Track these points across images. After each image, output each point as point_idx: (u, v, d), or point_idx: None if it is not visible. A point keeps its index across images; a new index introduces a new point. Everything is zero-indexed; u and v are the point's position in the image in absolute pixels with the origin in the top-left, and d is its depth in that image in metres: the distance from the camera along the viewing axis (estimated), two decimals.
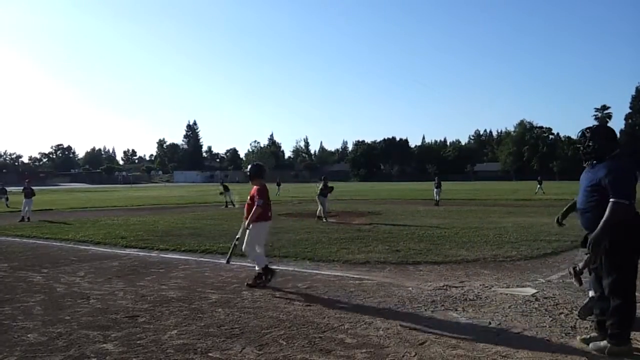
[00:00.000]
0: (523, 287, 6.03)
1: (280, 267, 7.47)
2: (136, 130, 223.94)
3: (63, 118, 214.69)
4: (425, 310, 5.01)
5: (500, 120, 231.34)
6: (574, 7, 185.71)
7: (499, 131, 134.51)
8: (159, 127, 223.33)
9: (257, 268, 6.26)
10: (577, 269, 3.78)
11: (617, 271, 3.58)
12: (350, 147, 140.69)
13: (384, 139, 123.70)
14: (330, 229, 12.64)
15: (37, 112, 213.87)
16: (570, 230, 7.76)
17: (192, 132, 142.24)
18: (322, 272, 7.10)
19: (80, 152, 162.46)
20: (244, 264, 7.87)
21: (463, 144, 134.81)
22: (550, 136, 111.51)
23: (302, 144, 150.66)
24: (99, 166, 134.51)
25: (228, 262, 6.60)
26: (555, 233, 10.24)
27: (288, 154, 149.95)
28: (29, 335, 4.28)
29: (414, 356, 3.71)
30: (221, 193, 24.27)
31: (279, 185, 40.93)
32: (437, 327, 4.42)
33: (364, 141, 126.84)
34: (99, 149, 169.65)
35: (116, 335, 4.28)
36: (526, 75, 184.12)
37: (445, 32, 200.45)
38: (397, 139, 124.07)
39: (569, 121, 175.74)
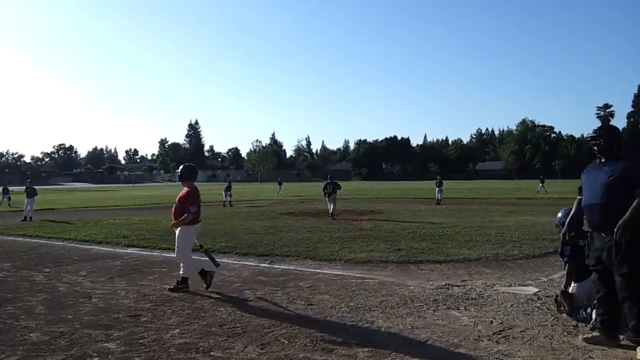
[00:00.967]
0: (525, 286, 6.03)
1: (281, 267, 7.49)
2: (138, 130, 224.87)
3: (65, 118, 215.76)
4: (427, 309, 5.00)
5: (502, 119, 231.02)
6: (576, 5, 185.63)
7: (501, 130, 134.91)
8: (161, 126, 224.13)
9: (181, 272, 6.09)
10: (561, 290, 3.76)
11: (633, 261, 3.58)
12: (352, 146, 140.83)
13: (386, 138, 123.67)
14: (332, 228, 12.64)
15: (39, 112, 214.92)
16: None
17: (194, 131, 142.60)
18: (324, 271, 7.09)
19: (83, 152, 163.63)
20: (245, 263, 7.88)
21: (465, 142, 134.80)
22: (553, 135, 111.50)
23: (303, 143, 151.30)
24: (101, 166, 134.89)
25: (217, 264, 6.39)
26: (557, 232, 10.20)
27: (290, 153, 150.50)
28: (31, 335, 4.29)
29: (416, 355, 3.71)
30: (227, 190, 24.45)
31: (280, 184, 40.86)
32: (439, 326, 4.42)
33: (365, 140, 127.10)
34: (101, 149, 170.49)
35: (118, 334, 4.29)
36: (528, 73, 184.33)
37: (448, 31, 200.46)
38: (399, 138, 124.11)
39: (571, 120, 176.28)
